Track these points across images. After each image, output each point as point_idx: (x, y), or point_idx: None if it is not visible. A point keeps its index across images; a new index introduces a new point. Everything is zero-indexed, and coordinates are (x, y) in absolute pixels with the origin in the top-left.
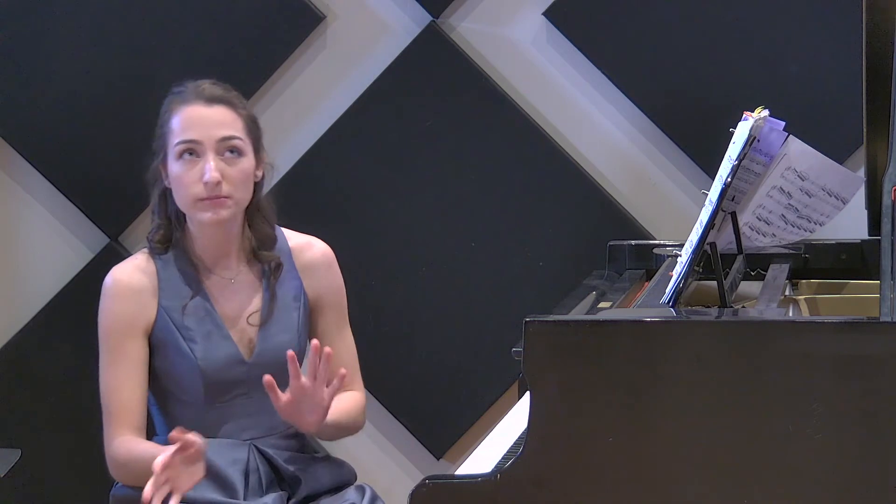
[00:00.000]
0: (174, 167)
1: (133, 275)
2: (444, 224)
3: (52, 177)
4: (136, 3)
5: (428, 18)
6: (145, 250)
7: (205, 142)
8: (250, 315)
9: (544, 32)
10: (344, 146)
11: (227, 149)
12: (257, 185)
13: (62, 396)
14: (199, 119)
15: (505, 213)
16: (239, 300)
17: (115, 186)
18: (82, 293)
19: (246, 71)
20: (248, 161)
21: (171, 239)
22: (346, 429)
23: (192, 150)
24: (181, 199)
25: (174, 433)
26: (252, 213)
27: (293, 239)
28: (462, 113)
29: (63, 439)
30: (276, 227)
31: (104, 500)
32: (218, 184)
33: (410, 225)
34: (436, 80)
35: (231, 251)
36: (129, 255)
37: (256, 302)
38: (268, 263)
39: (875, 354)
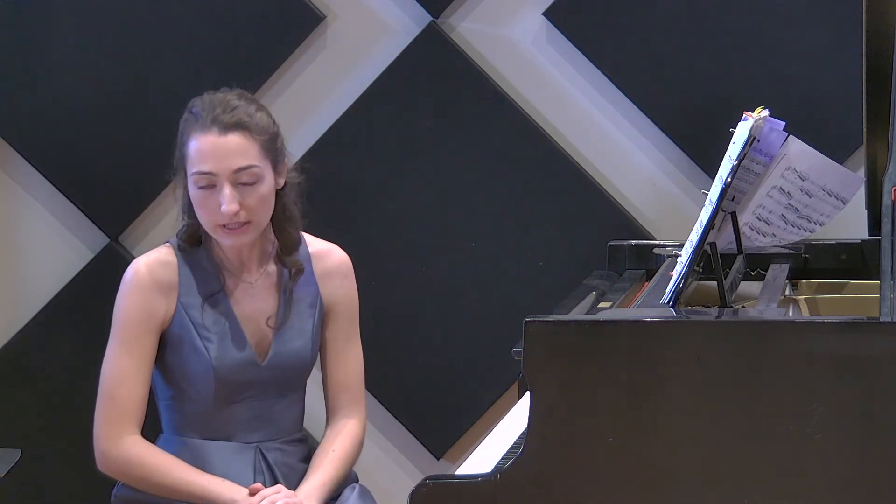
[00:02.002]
0: (193, 192)
1: (155, 268)
2: (444, 224)
3: (52, 177)
4: (136, 3)
5: (428, 18)
6: (169, 244)
7: (220, 173)
8: (268, 318)
9: (544, 32)
10: (344, 146)
11: (244, 179)
12: (281, 193)
13: (62, 396)
14: (214, 150)
15: (505, 213)
16: (258, 303)
17: (115, 186)
18: (82, 293)
19: (246, 71)
20: (266, 185)
21: (200, 239)
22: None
23: (208, 182)
24: (203, 222)
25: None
26: (279, 217)
27: (314, 245)
28: (462, 113)
29: (63, 439)
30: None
31: (104, 501)
32: (236, 214)
33: (410, 225)
34: (436, 80)
35: (253, 256)
36: (129, 254)
37: (274, 305)
38: (289, 269)
39: (875, 354)
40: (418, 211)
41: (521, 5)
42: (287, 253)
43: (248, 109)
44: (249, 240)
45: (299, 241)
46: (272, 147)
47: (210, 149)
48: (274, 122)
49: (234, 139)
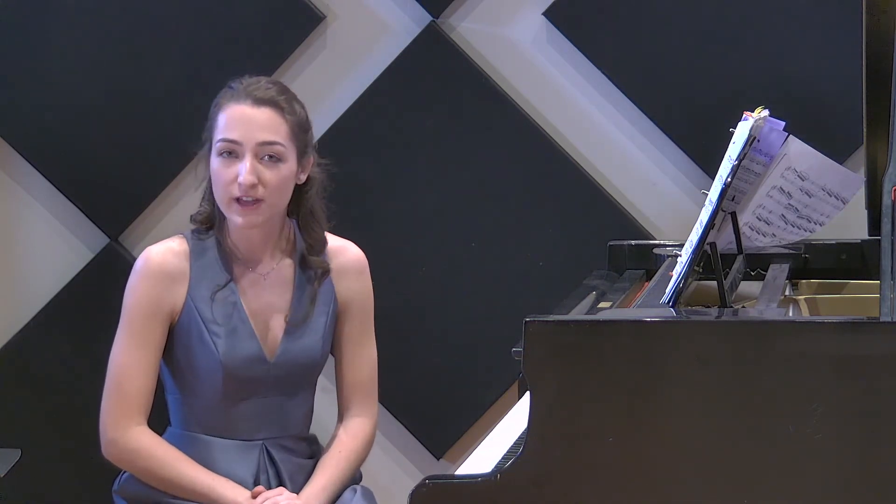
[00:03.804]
0: (214, 162)
1: (166, 257)
2: (444, 224)
3: (52, 177)
4: (136, 3)
5: (428, 18)
6: (181, 235)
7: (245, 143)
8: (284, 315)
9: (544, 32)
10: (344, 146)
11: (267, 153)
12: (303, 189)
13: (62, 396)
14: (243, 119)
15: (505, 213)
16: (268, 298)
17: (115, 186)
18: (82, 293)
19: (246, 71)
20: (287, 167)
21: (213, 222)
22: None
23: (231, 150)
24: (217, 196)
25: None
26: (305, 217)
27: (329, 241)
28: (462, 113)
29: (63, 439)
30: None
31: (104, 501)
32: (253, 186)
33: (410, 225)
34: (436, 80)
35: (266, 249)
36: (129, 255)
37: (286, 301)
38: (315, 269)
39: (875, 354)
40: (418, 211)
41: (521, 5)
42: (314, 253)
43: (285, 94)
44: (260, 220)
45: (325, 242)
46: (301, 135)
47: (239, 118)
48: (308, 117)
49: (266, 113)
